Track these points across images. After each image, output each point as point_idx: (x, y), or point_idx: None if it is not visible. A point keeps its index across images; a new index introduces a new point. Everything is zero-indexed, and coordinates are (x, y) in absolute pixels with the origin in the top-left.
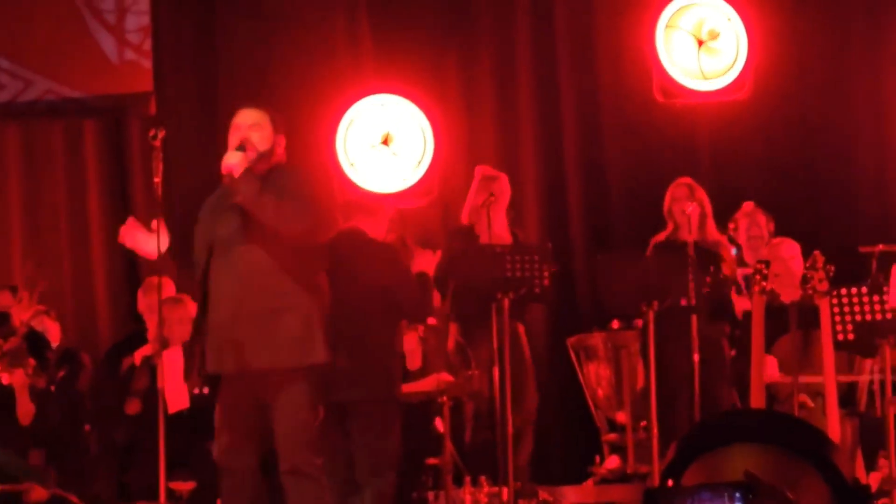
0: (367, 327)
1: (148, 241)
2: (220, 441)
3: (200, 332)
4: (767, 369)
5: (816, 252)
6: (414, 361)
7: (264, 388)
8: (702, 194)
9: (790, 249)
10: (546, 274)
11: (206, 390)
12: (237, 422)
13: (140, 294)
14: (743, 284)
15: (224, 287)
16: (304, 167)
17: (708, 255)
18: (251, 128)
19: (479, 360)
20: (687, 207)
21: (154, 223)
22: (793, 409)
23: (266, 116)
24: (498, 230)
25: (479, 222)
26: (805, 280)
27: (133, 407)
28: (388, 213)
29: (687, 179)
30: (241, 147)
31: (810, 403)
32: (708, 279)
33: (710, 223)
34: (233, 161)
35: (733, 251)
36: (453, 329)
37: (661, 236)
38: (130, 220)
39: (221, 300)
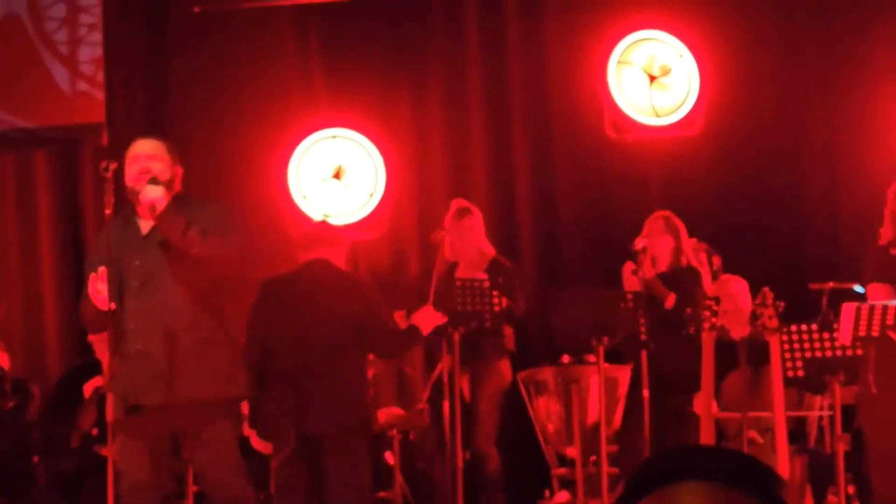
0: (340, 357)
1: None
2: (129, 478)
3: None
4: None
5: (766, 289)
6: None
7: (186, 420)
8: (679, 225)
9: (738, 286)
10: (496, 306)
11: None
12: (152, 457)
13: None
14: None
15: (150, 320)
16: (225, 199)
17: (668, 285)
18: (150, 158)
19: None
20: (639, 244)
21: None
22: (742, 446)
23: (163, 147)
24: (471, 261)
25: (457, 257)
26: (755, 316)
27: (75, 441)
28: (347, 243)
29: (664, 213)
30: (154, 180)
31: (760, 439)
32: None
33: (684, 254)
34: (156, 195)
35: None
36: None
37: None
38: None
39: (148, 333)
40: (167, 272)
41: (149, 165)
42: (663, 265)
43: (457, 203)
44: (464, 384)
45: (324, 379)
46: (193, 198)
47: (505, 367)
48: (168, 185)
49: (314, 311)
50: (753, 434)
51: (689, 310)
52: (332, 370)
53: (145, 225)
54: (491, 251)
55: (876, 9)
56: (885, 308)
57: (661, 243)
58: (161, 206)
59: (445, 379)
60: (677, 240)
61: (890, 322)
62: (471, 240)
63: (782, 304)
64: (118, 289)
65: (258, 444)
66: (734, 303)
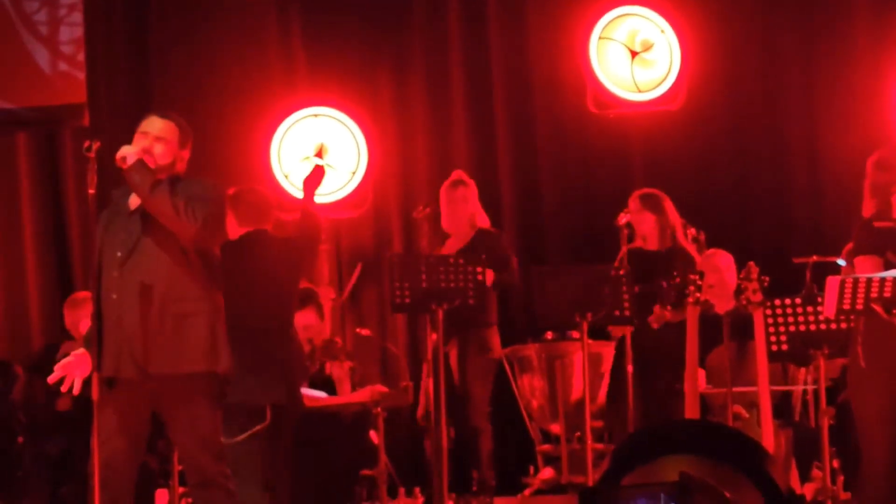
0: (287, 326)
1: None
2: (105, 449)
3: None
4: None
5: (751, 263)
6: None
7: (164, 397)
8: (668, 206)
9: (724, 260)
10: (479, 276)
11: None
12: (128, 430)
13: (66, 310)
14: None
15: (128, 291)
16: (208, 177)
17: (669, 264)
18: (156, 139)
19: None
20: (622, 219)
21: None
22: (727, 420)
23: (174, 129)
24: (461, 234)
25: (450, 229)
26: (739, 291)
27: (64, 403)
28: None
29: (643, 191)
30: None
31: (745, 414)
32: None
33: (676, 233)
34: (127, 151)
35: None
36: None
37: (634, 244)
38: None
39: (125, 305)
40: (150, 242)
41: (152, 146)
42: (652, 243)
43: (454, 175)
44: (451, 358)
45: (275, 352)
46: (192, 179)
47: (492, 337)
48: (167, 168)
49: (258, 283)
50: (738, 409)
51: (664, 283)
52: (282, 345)
53: (135, 200)
54: (483, 224)
55: None
56: (869, 281)
57: (641, 221)
58: (130, 161)
59: (430, 356)
60: (665, 217)
61: (874, 295)
62: (462, 211)
63: (767, 278)
64: (101, 262)
65: None
66: (720, 277)
